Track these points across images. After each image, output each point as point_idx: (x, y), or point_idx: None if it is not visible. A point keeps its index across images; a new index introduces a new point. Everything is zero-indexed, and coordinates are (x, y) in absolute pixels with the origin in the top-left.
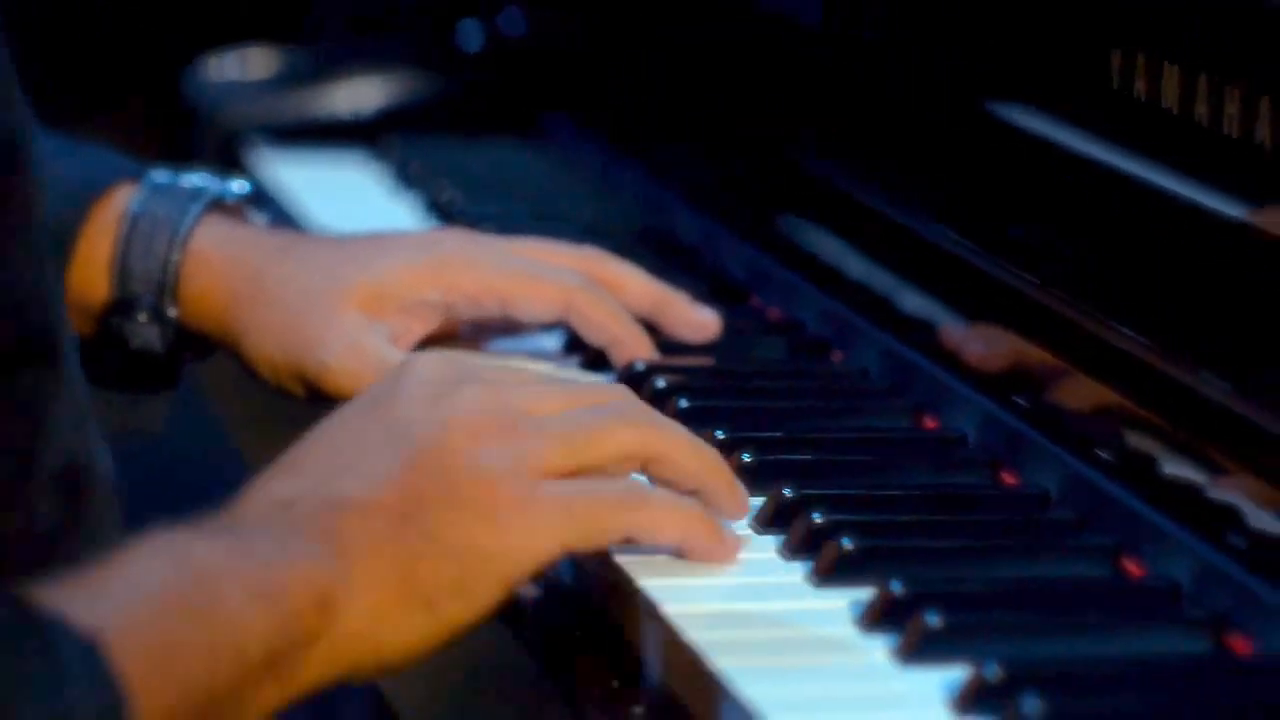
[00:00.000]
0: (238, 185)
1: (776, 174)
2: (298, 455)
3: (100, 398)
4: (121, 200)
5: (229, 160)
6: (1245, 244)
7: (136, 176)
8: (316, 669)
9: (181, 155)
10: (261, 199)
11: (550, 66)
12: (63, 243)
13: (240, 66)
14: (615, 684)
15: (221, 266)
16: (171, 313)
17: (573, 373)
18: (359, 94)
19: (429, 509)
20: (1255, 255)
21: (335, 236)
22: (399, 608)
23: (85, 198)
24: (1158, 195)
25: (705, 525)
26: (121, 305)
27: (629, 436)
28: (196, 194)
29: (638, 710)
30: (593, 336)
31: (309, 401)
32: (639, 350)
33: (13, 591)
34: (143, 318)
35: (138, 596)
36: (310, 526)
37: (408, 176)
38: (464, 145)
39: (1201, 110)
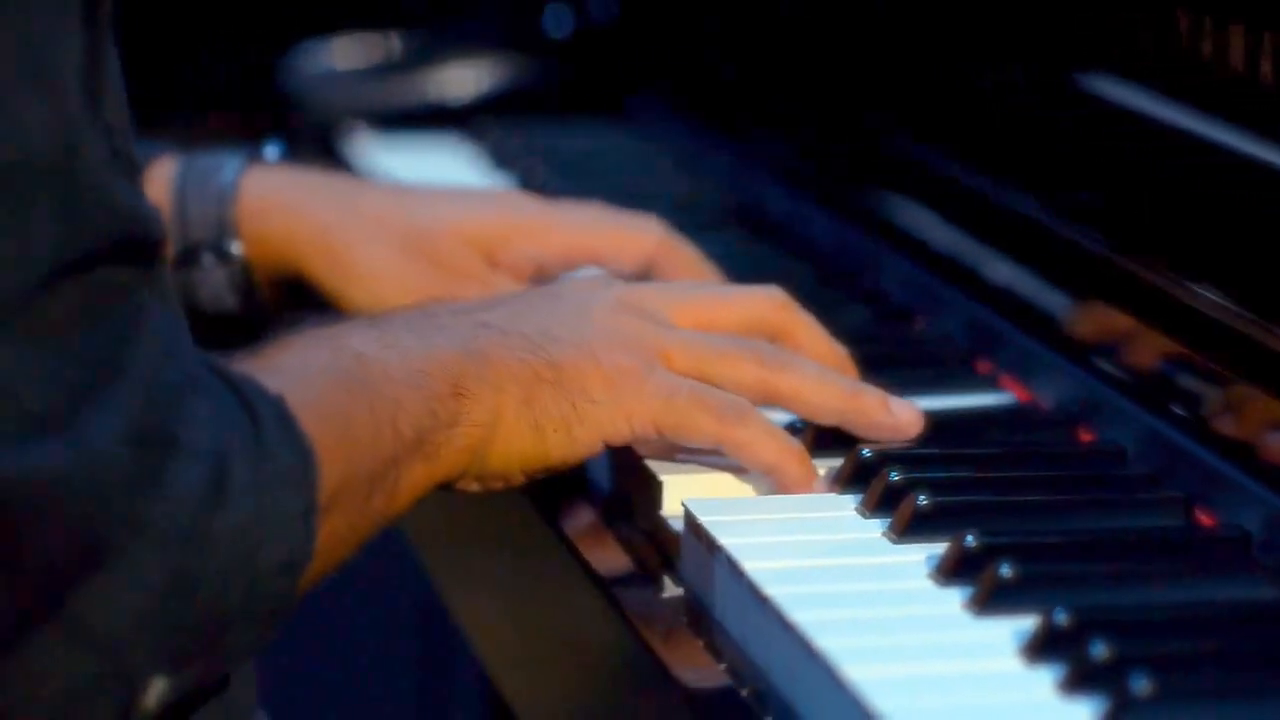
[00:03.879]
0: (269, 151)
1: (863, 149)
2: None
3: None
4: (164, 169)
5: (325, 148)
6: None
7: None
8: (453, 453)
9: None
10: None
11: (638, 48)
12: None
13: (335, 56)
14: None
15: (284, 201)
16: (235, 249)
17: None
18: (452, 79)
19: (562, 347)
20: None
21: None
22: (514, 418)
23: None
24: (1226, 154)
25: (799, 461)
26: (185, 256)
27: (749, 374)
28: (232, 153)
29: None
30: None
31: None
32: None
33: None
34: (207, 261)
35: (309, 373)
36: (452, 331)
37: (502, 158)
38: (556, 127)
39: None
